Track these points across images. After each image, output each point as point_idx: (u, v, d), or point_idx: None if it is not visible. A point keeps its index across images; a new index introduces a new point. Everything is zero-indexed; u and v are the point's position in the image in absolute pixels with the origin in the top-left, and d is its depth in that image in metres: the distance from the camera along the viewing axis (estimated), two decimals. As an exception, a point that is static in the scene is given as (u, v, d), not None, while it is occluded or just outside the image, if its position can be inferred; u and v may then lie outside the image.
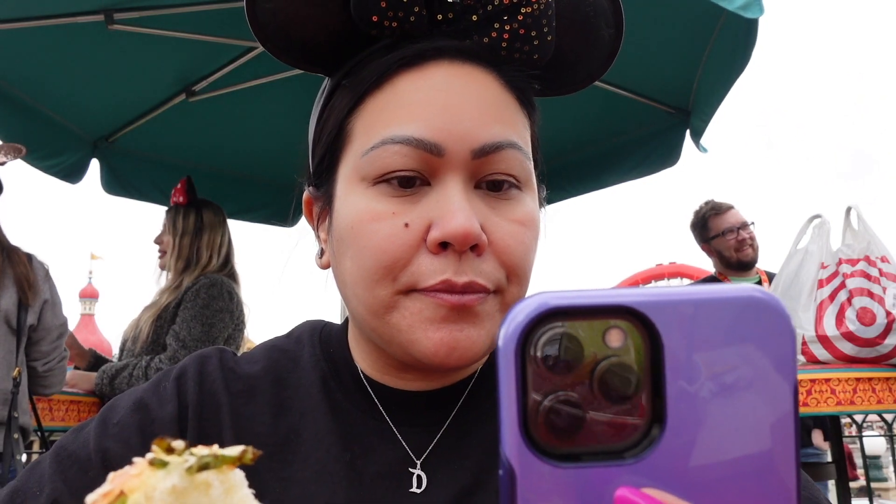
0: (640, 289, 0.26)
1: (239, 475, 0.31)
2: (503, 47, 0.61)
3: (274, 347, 0.70)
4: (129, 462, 0.59)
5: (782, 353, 0.26)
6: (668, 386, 0.25)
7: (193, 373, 0.65)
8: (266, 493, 0.56)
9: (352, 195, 0.60)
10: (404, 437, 0.63)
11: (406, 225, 0.57)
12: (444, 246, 0.56)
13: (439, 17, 0.60)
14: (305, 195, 0.70)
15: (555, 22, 0.61)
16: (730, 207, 3.44)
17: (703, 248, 3.54)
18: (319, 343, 0.69)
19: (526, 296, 0.27)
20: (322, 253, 0.67)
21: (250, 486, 0.60)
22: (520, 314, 0.26)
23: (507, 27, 0.60)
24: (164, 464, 0.29)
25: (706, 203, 3.52)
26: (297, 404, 0.64)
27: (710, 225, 3.46)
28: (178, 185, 2.79)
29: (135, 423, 0.61)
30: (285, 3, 0.60)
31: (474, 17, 0.60)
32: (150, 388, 0.65)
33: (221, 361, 0.67)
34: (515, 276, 0.59)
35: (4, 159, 2.32)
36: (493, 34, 0.60)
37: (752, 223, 3.38)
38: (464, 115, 0.58)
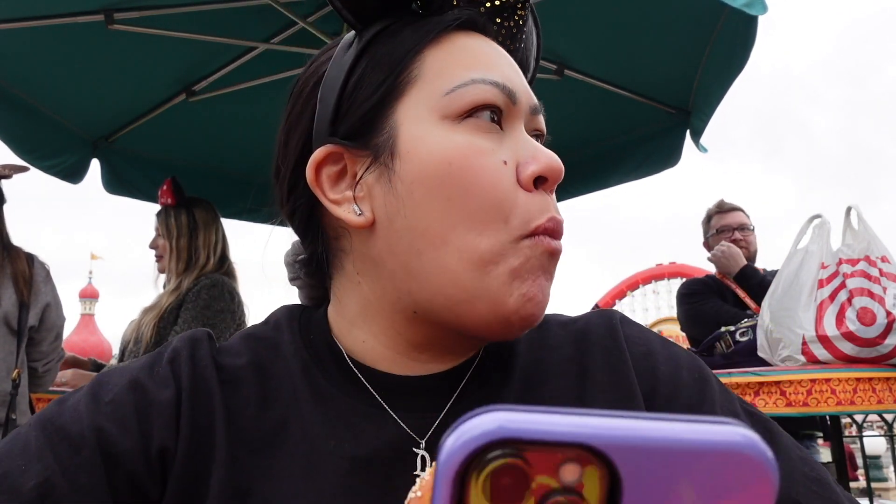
0: (611, 419, 0.23)
1: None
2: (516, 34, 0.66)
3: (251, 336, 0.66)
4: (125, 443, 0.55)
5: None
6: None
7: (186, 356, 0.62)
8: (253, 489, 0.55)
9: (437, 132, 0.57)
10: (404, 420, 0.60)
11: (504, 162, 0.56)
12: (535, 185, 0.58)
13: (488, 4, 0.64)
14: (317, 155, 0.61)
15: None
16: (734, 208, 3.45)
17: (704, 246, 3.55)
18: (299, 329, 0.66)
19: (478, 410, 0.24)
20: (359, 213, 0.60)
21: (237, 483, 0.55)
22: (467, 433, 0.22)
23: (518, 17, 0.66)
24: None
25: (715, 202, 3.55)
26: (282, 395, 0.61)
27: (711, 222, 3.48)
28: (164, 187, 2.72)
29: (131, 403, 0.57)
30: None
31: (497, 1, 0.64)
32: (143, 368, 0.61)
33: (211, 348, 0.64)
34: None
35: (9, 173, 2.34)
36: (516, 18, 0.65)
37: (753, 228, 3.39)
38: (521, 75, 0.63)
